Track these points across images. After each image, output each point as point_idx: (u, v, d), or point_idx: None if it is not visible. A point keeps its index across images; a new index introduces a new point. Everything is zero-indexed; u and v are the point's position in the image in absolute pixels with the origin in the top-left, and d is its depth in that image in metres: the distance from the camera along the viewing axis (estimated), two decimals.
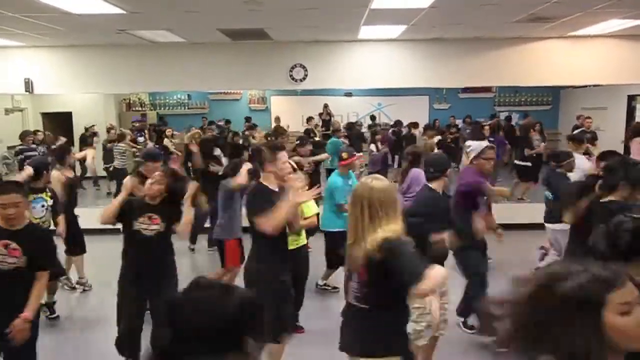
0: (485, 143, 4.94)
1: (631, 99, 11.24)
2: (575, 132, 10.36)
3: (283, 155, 3.41)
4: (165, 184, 3.62)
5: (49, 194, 4.90)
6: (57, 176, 5.27)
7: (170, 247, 3.76)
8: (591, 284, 1.22)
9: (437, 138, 9.83)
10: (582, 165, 5.45)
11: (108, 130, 10.70)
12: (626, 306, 1.20)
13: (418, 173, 5.15)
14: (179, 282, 3.71)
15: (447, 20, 6.15)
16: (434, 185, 3.79)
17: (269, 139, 8.63)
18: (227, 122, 13.25)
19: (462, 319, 4.59)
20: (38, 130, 10.24)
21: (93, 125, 11.41)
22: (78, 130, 12.00)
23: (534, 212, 6.23)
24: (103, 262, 5.13)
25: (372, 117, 14.06)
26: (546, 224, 5.23)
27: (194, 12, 5.43)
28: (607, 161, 3.78)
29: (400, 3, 5.24)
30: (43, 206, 4.83)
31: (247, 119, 13.23)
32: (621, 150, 10.00)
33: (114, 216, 3.56)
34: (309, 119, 12.72)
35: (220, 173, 5.84)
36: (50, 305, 4.94)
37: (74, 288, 5.72)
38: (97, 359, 4.28)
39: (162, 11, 5.44)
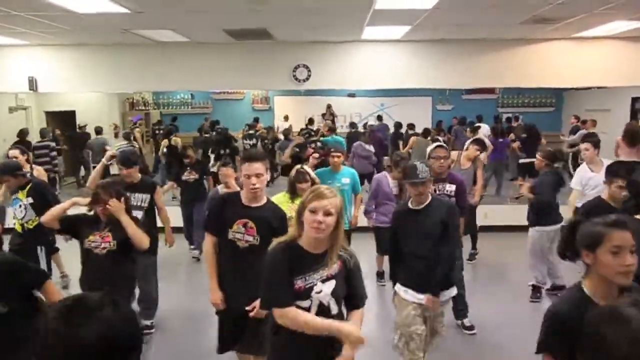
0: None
1: (635, 100, 11.20)
2: (576, 134, 10.36)
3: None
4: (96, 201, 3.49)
5: (25, 192, 4.73)
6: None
7: (124, 266, 3.56)
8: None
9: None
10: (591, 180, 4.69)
11: (97, 131, 10.61)
12: None
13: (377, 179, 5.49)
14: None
15: (451, 21, 6.14)
16: None
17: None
18: (217, 122, 13.15)
19: (460, 322, 4.57)
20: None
21: (85, 125, 11.52)
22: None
23: None
24: None
25: (379, 117, 13.96)
26: None
27: (198, 12, 5.43)
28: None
29: (404, 4, 5.23)
30: (21, 206, 4.75)
31: (255, 121, 13.16)
32: None
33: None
34: (311, 121, 12.74)
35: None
36: None
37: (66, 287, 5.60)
38: None
39: (166, 11, 5.44)
